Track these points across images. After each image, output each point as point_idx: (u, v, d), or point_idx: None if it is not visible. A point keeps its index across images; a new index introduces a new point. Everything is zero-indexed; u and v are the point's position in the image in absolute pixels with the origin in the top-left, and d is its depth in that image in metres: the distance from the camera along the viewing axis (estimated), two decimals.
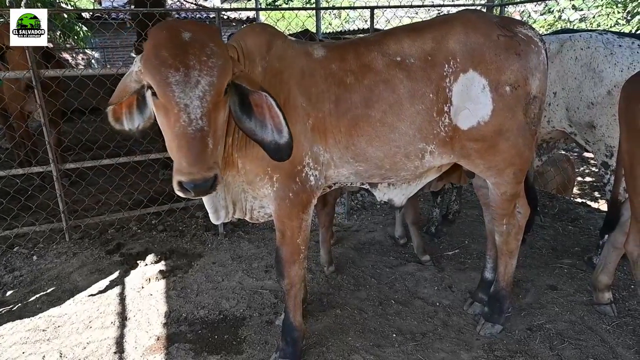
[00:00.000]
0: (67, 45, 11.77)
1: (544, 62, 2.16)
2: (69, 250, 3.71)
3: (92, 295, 3.14)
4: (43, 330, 2.77)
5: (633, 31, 7.18)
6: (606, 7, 7.60)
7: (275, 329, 2.70)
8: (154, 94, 1.60)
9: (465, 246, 3.73)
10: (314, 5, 6.07)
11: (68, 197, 3.94)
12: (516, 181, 2.32)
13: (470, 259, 3.52)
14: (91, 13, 11.26)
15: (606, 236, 2.99)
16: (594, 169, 8.46)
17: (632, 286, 3.07)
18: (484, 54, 2.07)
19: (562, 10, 9.77)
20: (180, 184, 1.56)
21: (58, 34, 10.24)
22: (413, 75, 2.08)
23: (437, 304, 2.96)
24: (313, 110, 2.08)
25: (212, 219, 2.34)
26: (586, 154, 8.87)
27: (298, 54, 2.14)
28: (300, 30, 5.56)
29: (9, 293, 3.19)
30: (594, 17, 7.69)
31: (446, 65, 2.08)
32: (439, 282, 3.20)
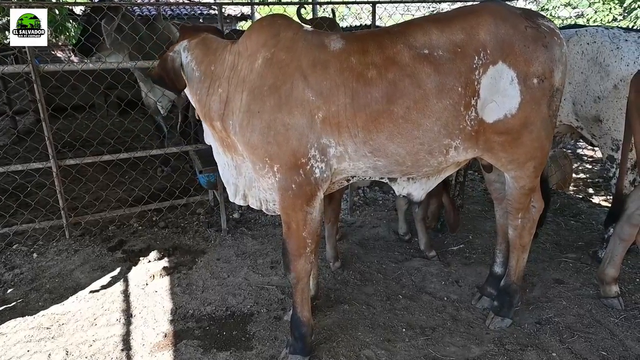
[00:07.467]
0: (59, 43, 11.63)
1: (566, 55, 2.16)
2: (69, 248, 3.66)
3: (95, 292, 3.09)
4: (47, 328, 2.72)
5: (630, 26, 7.25)
6: (604, 4, 7.65)
7: (284, 324, 2.67)
8: None
9: (470, 241, 3.73)
10: (310, 0, 6.03)
11: (68, 194, 3.88)
12: (535, 175, 2.31)
13: (476, 253, 3.52)
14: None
15: (611, 229, 3.01)
16: (588, 165, 8.53)
17: (637, 279, 3.09)
18: (513, 46, 2.03)
19: (556, 7, 9.82)
20: None
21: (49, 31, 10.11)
22: (441, 69, 2.02)
23: (445, 298, 2.96)
24: (324, 103, 2.05)
25: (228, 193, 2.46)
26: (580, 151, 8.95)
27: (310, 46, 2.11)
28: None
29: (9, 291, 3.13)
30: (595, 12, 7.73)
31: (476, 57, 2.03)
32: (446, 277, 3.20)
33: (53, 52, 12.32)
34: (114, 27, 4.15)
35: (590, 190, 7.32)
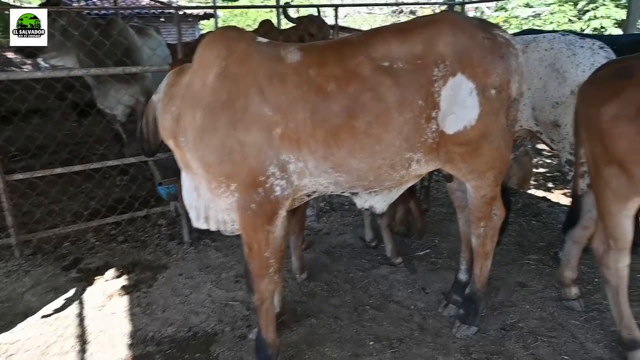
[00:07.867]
0: (8, 45, 11.04)
1: (522, 65, 2.16)
2: (19, 268, 3.44)
3: (48, 317, 2.91)
4: None
5: (584, 27, 7.52)
6: (559, 5, 7.91)
7: (250, 343, 2.59)
8: None
9: (436, 245, 3.74)
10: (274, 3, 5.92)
11: (17, 209, 3.66)
12: (495, 184, 2.32)
13: (442, 258, 3.53)
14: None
15: None
16: (547, 160, 8.80)
17: (596, 280, 3.17)
18: (472, 57, 2.02)
19: (514, 8, 10.09)
20: None
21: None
22: (402, 81, 1.98)
23: (412, 307, 2.94)
24: (283, 118, 1.98)
25: (191, 217, 2.37)
26: (538, 146, 9.21)
27: (266, 58, 2.03)
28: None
29: None
30: (552, 14, 7.99)
31: (436, 69, 2.01)
32: (412, 284, 3.19)
33: (4, 54, 11.69)
34: (56, 29, 3.93)
35: (550, 185, 7.56)
